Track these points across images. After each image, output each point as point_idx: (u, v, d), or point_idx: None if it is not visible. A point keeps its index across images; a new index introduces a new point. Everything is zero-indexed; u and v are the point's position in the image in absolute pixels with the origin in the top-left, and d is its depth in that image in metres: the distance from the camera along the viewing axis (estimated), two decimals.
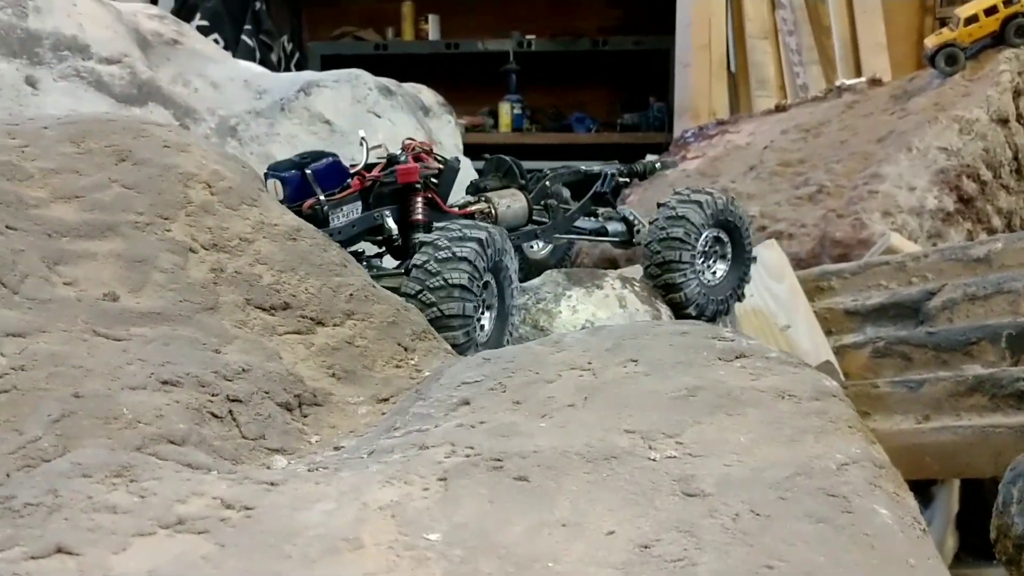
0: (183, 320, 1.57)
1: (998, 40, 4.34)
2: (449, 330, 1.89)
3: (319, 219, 2.03)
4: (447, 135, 3.93)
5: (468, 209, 2.33)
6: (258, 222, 1.81)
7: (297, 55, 8.47)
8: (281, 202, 2.01)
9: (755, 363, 1.44)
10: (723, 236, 2.56)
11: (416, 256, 1.98)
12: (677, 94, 7.02)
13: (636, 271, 2.67)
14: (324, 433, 1.51)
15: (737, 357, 1.46)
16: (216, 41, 7.93)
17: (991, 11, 4.31)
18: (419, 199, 2.20)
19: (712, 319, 2.54)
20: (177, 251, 1.68)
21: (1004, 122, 4.27)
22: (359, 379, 1.68)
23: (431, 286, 1.92)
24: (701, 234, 2.48)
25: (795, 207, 4.40)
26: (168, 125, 1.96)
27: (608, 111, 8.42)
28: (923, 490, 3.25)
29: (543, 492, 1.08)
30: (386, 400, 1.63)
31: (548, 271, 2.45)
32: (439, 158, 2.27)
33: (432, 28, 8.54)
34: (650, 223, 2.54)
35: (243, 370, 1.50)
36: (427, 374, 1.71)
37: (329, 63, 8.08)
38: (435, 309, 1.90)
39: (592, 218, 2.63)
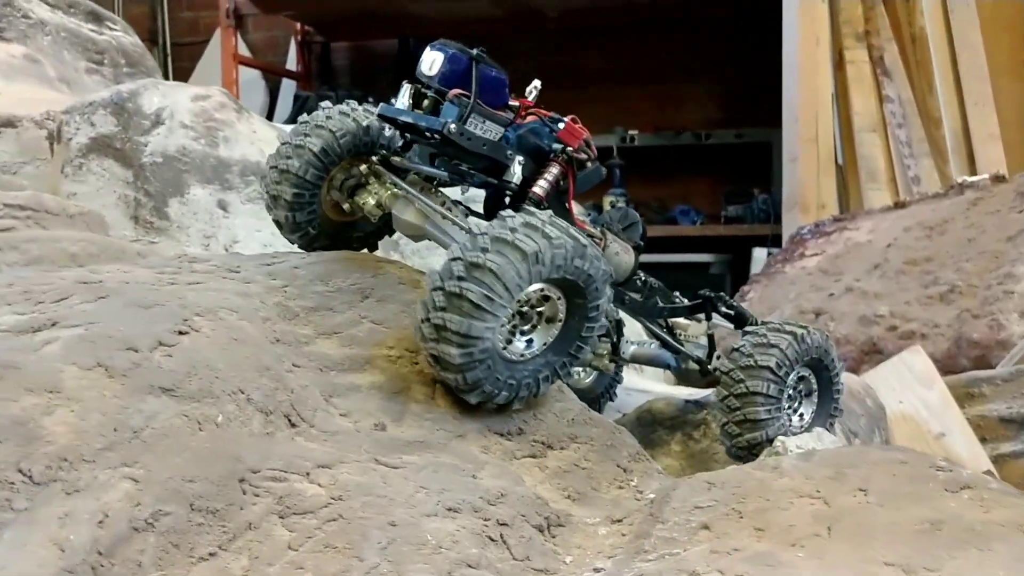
0: (441, 447, 1.76)
1: None
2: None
3: (436, 111, 1.95)
4: None
5: (584, 224, 2.16)
6: None
7: None
8: (428, 76, 1.96)
9: (982, 494, 1.55)
10: (808, 375, 2.27)
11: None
12: (785, 187, 7.15)
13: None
14: (574, 553, 1.66)
15: (962, 488, 1.57)
16: None
17: None
18: (555, 171, 2.02)
19: None
20: (425, 382, 1.87)
21: None
22: (591, 500, 1.83)
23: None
24: (787, 379, 2.19)
25: (926, 307, 4.46)
26: (397, 262, 2.18)
27: (712, 203, 8.58)
28: None
29: None
30: (619, 521, 1.78)
31: None
32: (595, 156, 2.10)
33: None
34: (727, 370, 2.21)
35: (501, 495, 1.67)
36: (651, 496, 1.86)
37: None
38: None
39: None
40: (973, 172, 6.45)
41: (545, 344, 1.87)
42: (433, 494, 1.57)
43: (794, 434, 2.23)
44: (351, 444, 1.65)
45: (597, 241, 2.17)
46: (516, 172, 1.98)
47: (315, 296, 2.00)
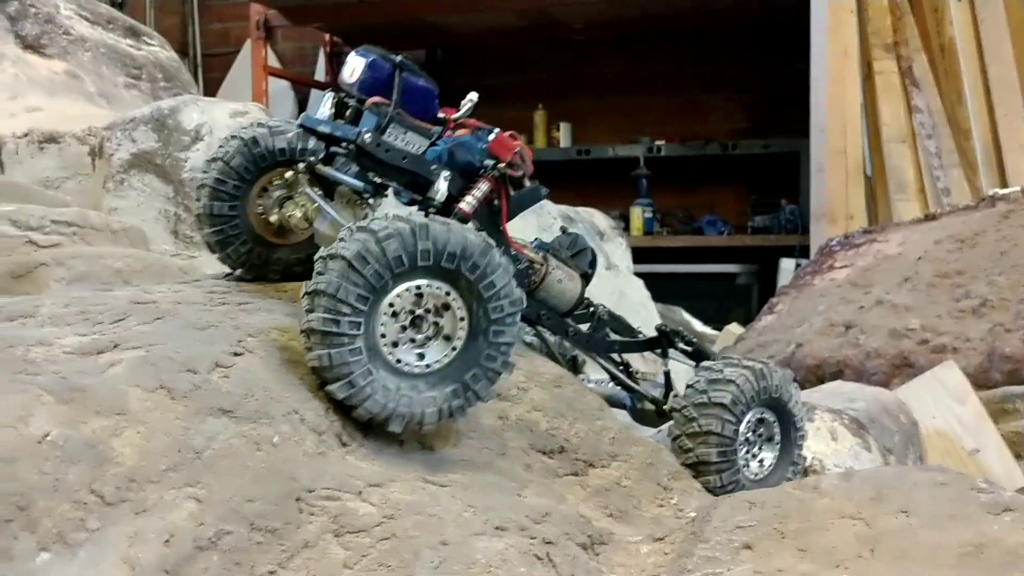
0: (485, 466, 1.79)
1: None
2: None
3: (356, 120, 1.84)
4: (619, 257, 4.17)
5: (522, 248, 2.04)
6: (529, 371, 2.03)
7: None
8: (348, 84, 1.87)
9: (1023, 516, 1.57)
10: (769, 417, 2.11)
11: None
12: (813, 198, 7.14)
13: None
14: (617, 572, 1.69)
15: (1004, 510, 1.59)
16: None
17: None
18: (484, 187, 1.87)
19: None
20: None
21: None
22: (632, 519, 1.86)
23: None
24: (741, 422, 2.05)
25: (957, 320, 4.44)
26: None
27: (739, 213, 8.58)
28: None
29: None
30: (661, 540, 1.81)
31: None
32: (533, 175, 1.95)
33: (564, 135, 8.94)
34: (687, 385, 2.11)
35: (546, 513, 1.70)
36: (691, 514, 1.88)
37: None
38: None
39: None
40: (1003, 183, 6.43)
41: (454, 350, 1.68)
42: (480, 513, 1.60)
43: (753, 480, 2.07)
44: (399, 463, 1.69)
45: (537, 267, 2.05)
46: (440, 188, 1.84)
47: None
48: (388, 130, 1.82)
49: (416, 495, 1.59)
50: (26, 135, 3.96)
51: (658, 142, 8.57)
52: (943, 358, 4.13)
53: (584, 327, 2.17)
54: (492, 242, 1.69)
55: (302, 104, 9.62)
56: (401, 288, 1.62)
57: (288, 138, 1.98)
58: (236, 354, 1.62)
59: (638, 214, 8.53)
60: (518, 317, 1.71)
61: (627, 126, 8.81)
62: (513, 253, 1.98)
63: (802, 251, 7.39)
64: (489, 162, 1.88)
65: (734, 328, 5.90)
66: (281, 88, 9.51)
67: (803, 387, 3.49)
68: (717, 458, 2.02)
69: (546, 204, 3.86)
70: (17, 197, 3.31)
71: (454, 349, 1.68)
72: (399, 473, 1.65)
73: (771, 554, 1.60)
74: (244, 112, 3.76)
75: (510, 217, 1.93)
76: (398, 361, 1.64)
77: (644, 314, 4.01)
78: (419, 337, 1.66)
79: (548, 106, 8.88)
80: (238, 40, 9.62)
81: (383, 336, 1.62)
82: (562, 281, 2.09)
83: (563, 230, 2.25)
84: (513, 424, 1.92)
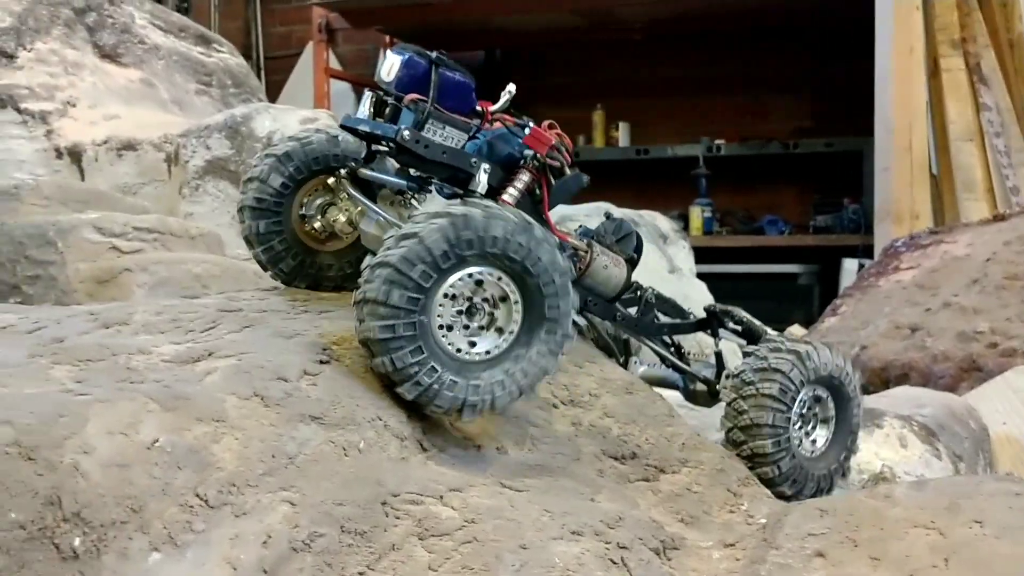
0: (559, 471, 1.84)
1: None
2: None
3: (395, 117, 1.86)
4: (682, 260, 4.19)
5: (566, 236, 2.04)
6: (601, 378, 2.08)
7: None
8: (386, 82, 1.88)
9: None
10: (824, 395, 2.13)
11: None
12: (877, 198, 7.05)
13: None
14: None
15: None
16: None
17: None
18: (525, 178, 1.89)
19: (816, 496, 2.09)
20: (544, 407, 1.96)
21: None
22: (703, 524, 1.89)
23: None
24: (798, 394, 2.07)
25: None
26: None
27: (800, 213, 8.50)
28: None
29: None
30: (732, 546, 1.83)
31: None
32: (572, 164, 1.95)
33: (622, 135, 8.94)
34: (733, 375, 2.12)
35: (619, 518, 1.74)
36: (762, 520, 1.91)
37: None
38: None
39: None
40: None
41: (512, 333, 1.72)
42: (557, 517, 1.65)
43: (810, 459, 2.10)
44: (477, 468, 1.74)
45: (582, 254, 2.07)
46: (481, 181, 1.86)
47: None
48: (427, 126, 1.84)
49: (495, 500, 1.65)
50: (105, 142, 4.11)
51: (718, 141, 8.52)
52: (1013, 362, 4.07)
53: (632, 311, 2.18)
54: (530, 220, 1.71)
55: None
56: (454, 278, 1.66)
57: (320, 148, 2.01)
58: (322, 362, 1.68)
59: (697, 214, 8.49)
60: (569, 287, 1.73)
61: (686, 125, 8.77)
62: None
63: (865, 251, 7.31)
64: (529, 152, 1.90)
65: (796, 330, 5.86)
66: (342, 90, 9.65)
67: (868, 391, 3.48)
68: (772, 449, 2.05)
69: (610, 209, 3.88)
70: (100, 204, 3.44)
71: (511, 332, 1.72)
72: (477, 478, 1.71)
73: (844, 562, 1.62)
74: (314, 119, 3.86)
75: (552, 205, 1.94)
76: (451, 345, 1.67)
77: None
78: (474, 325, 1.69)
79: (607, 106, 8.88)
80: (300, 42, 9.79)
81: (440, 317, 1.65)
82: (608, 267, 2.10)
83: (607, 216, 2.25)
84: (586, 430, 1.96)
